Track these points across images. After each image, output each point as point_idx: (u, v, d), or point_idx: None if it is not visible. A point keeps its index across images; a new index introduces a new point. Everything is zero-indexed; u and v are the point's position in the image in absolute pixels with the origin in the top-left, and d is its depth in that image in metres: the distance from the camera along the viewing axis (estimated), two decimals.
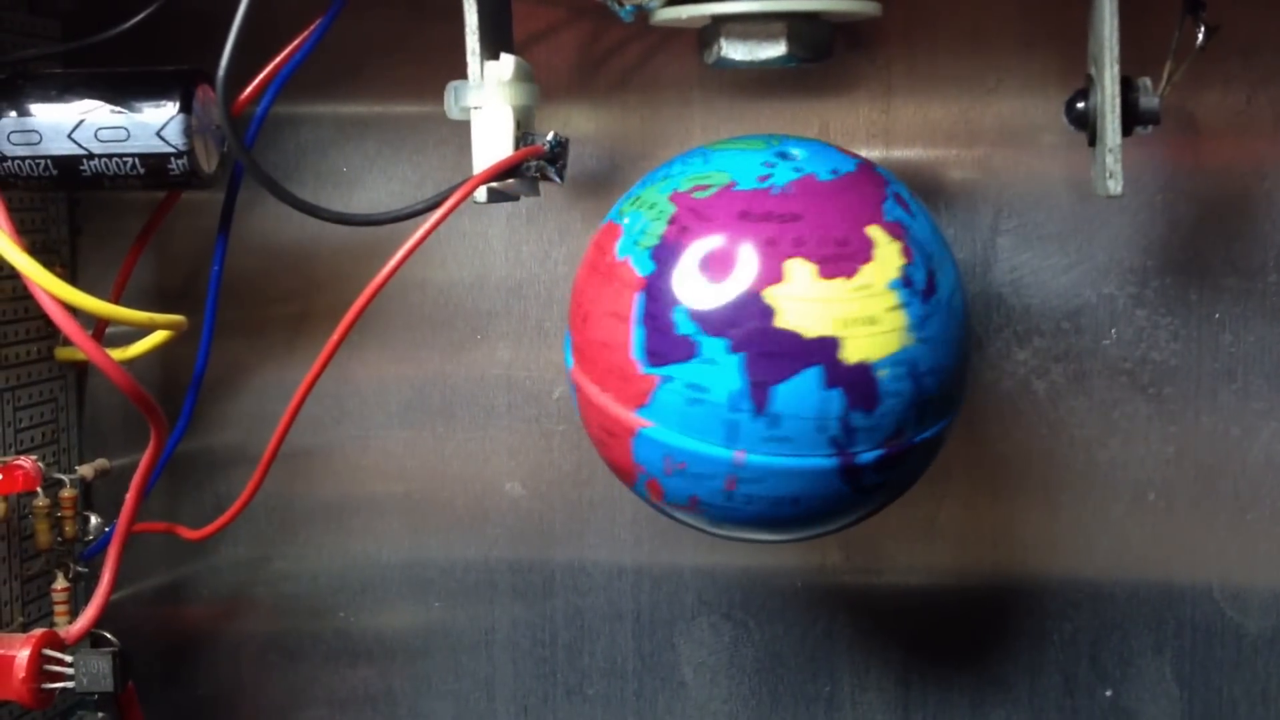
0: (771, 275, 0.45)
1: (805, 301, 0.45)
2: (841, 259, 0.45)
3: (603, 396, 0.47)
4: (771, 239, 0.45)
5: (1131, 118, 0.50)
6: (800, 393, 0.45)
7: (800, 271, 0.45)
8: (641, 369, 0.46)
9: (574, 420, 0.61)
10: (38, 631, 0.55)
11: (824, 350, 0.45)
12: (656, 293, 0.46)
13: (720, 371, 0.45)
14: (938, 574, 0.61)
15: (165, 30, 0.55)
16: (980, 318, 0.59)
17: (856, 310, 0.45)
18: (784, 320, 0.45)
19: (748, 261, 0.45)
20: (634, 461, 0.48)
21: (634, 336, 0.46)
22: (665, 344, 0.46)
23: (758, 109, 0.60)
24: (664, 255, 0.46)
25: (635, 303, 0.46)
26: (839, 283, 0.45)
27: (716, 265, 0.45)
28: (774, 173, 0.47)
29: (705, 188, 0.47)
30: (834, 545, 0.61)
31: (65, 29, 0.61)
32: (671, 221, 0.47)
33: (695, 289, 0.45)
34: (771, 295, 0.45)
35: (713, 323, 0.45)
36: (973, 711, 0.61)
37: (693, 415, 0.46)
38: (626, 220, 0.48)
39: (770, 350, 0.45)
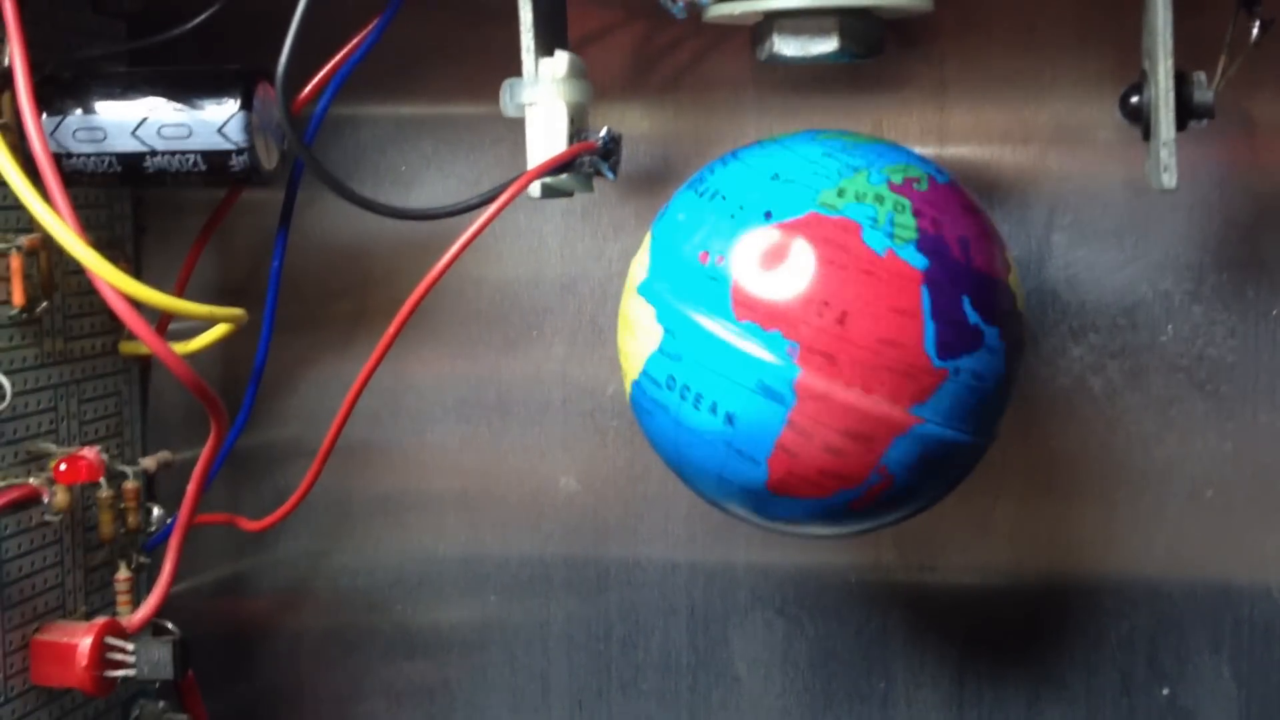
0: (1007, 265, 0.49)
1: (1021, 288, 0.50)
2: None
3: (867, 398, 0.46)
4: (993, 230, 0.50)
5: (1186, 111, 0.50)
6: None
7: (1011, 260, 0.50)
8: (934, 363, 0.46)
9: (627, 415, 0.61)
10: (100, 620, 0.56)
11: None
12: (941, 285, 0.47)
13: (995, 359, 0.47)
14: (993, 572, 0.61)
15: (227, 30, 0.56)
16: (1035, 314, 0.58)
17: None
18: (1019, 305, 0.49)
19: (996, 251, 0.49)
20: (878, 463, 0.47)
21: (925, 331, 0.46)
22: (956, 336, 0.47)
23: (811, 107, 0.60)
24: (931, 247, 0.47)
25: (922, 296, 0.46)
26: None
27: (981, 256, 0.48)
28: (924, 166, 0.50)
29: (916, 180, 0.48)
30: (888, 542, 0.61)
31: (130, 29, 0.62)
32: (917, 214, 0.47)
33: (971, 279, 0.47)
34: (1011, 283, 0.49)
35: (992, 311, 0.47)
36: (1028, 710, 0.61)
37: (970, 405, 0.47)
38: (848, 213, 0.47)
39: (1020, 337, 0.49)
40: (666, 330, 0.48)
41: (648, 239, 0.51)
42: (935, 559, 0.61)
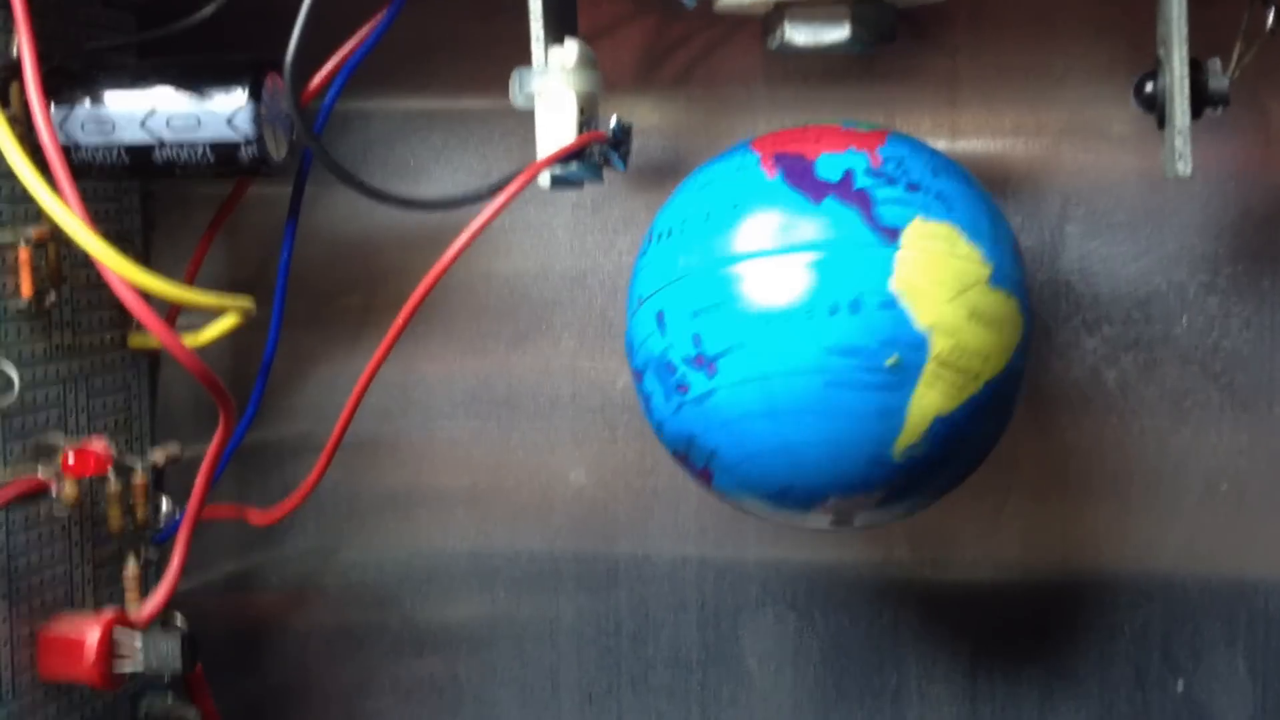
0: None
1: None
2: None
3: None
4: None
5: (1201, 99, 0.50)
6: None
7: None
8: None
9: (637, 410, 0.60)
10: (108, 613, 0.56)
11: None
12: None
13: None
14: (1005, 566, 0.60)
15: (236, 22, 0.55)
16: (1048, 306, 0.58)
17: None
18: None
19: None
20: None
21: None
22: None
23: (822, 99, 0.60)
24: None
25: None
26: None
27: None
28: None
29: None
30: (900, 537, 0.61)
31: (139, 20, 0.62)
32: None
33: None
34: None
35: None
36: (1042, 704, 0.60)
37: None
38: None
39: None
40: (1025, 320, 0.49)
41: (954, 235, 0.48)
42: (947, 554, 0.61)
